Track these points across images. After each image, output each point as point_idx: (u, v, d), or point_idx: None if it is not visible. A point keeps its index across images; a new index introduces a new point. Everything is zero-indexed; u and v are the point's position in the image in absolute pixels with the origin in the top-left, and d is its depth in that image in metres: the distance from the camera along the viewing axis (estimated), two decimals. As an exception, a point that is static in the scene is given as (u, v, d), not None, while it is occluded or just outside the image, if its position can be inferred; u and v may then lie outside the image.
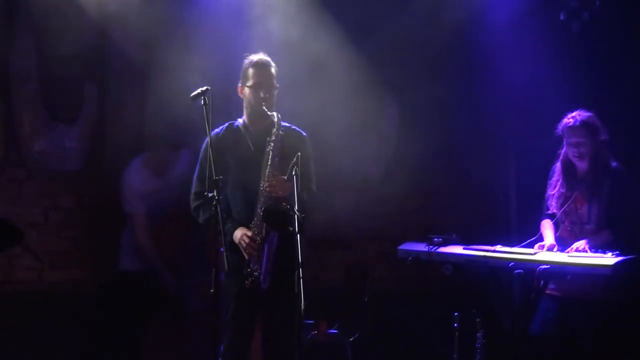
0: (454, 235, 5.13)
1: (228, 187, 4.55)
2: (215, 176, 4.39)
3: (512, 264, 4.72)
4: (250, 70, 4.70)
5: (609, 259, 4.51)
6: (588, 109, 4.99)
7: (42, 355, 5.91)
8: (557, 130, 5.02)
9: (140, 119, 6.06)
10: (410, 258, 5.12)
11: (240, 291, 4.54)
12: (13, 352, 5.84)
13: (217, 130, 4.74)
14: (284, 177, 4.51)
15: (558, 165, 5.07)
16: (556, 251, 4.83)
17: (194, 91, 4.45)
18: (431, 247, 5.07)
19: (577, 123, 4.92)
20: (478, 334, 4.97)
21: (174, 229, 5.76)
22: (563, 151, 5.04)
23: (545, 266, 4.67)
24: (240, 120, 4.80)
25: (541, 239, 4.99)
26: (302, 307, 4.12)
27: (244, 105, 4.77)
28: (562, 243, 4.89)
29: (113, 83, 6.29)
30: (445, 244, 5.07)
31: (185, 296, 5.79)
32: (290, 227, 4.43)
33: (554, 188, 5.06)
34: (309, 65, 6.34)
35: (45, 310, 5.98)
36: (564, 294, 4.87)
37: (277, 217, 4.52)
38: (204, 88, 4.43)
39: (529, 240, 4.95)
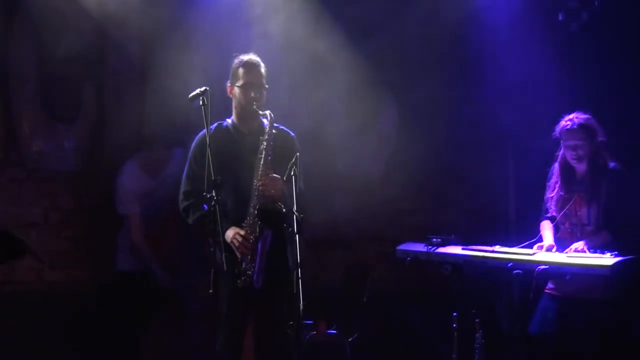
0: (453, 235, 5.14)
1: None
2: (203, 176, 4.45)
3: (510, 264, 4.72)
4: (240, 70, 4.71)
5: (607, 259, 4.51)
6: (587, 109, 4.99)
7: (42, 355, 5.90)
8: (555, 133, 5.02)
9: (140, 119, 6.06)
10: (409, 258, 5.13)
11: (233, 290, 4.55)
12: (13, 352, 5.83)
13: (205, 130, 4.75)
14: (276, 175, 4.52)
15: (556, 168, 5.07)
16: (555, 252, 4.83)
17: (193, 91, 4.46)
18: (430, 247, 5.08)
19: (575, 126, 4.92)
20: (477, 334, 4.96)
21: (170, 229, 5.76)
22: (561, 153, 5.04)
23: (544, 266, 4.67)
24: (229, 120, 4.81)
25: (541, 240, 4.99)
26: (301, 307, 4.12)
27: (233, 105, 4.78)
28: (562, 245, 4.89)
29: (112, 83, 6.30)
30: (444, 244, 5.08)
31: (185, 296, 5.79)
32: (284, 225, 4.46)
33: (553, 190, 5.06)
34: (309, 65, 6.34)
35: (45, 310, 5.98)
36: (563, 294, 4.88)
37: (271, 216, 4.53)
38: (202, 89, 4.44)
39: (529, 242, 4.95)
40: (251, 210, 4.58)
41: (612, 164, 4.93)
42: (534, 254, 4.78)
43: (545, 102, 5.94)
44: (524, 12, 6.12)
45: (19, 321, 5.92)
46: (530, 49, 6.14)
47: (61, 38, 5.90)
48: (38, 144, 6.21)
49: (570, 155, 4.96)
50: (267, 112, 4.61)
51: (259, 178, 4.58)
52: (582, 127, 4.91)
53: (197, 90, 4.44)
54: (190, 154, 4.78)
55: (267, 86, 4.75)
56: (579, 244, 4.76)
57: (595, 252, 4.65)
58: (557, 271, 4.68)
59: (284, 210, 4.53)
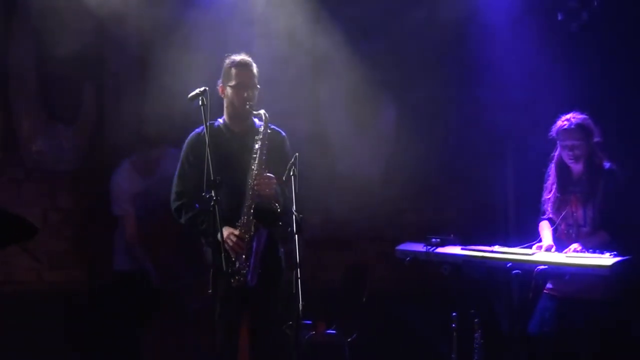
0: (452, 235, 5.13)
1: (205, 187, 4.50)
2: (195, 176, 4.50)
3: (510, 264, 4.72)
4: (233, 70, 4.72)
5: (607, 259, 4.51)
6: (586, 109, 4.99)
7: (42, 355, 5.90)
8: (551, 133, 5.02)
9: (139, 119, 6.06)
10: (408, 258, 5.12)
11: (226, 290, 4.54)
12: (13, 352, 5.83)
13: (197, 130, 4.75)
14: (271, 175, 4.53)
15: (552, 168, 5.07)
16: (554, 252, 4.83)
17: (192, 91, 4.46)
18: (429, 247, 5.07)
19: (572, 126, 4.92)
20: (476, 334, 4.96)
21: (165, 229, 5.76)
22: (557, 154, 5.04)
23: (543, 266, 4.67)
24: (220, 120, 4.81)
25: (540, 241, 4.99)
26: (300, 307, 4.12)
27: (225, 105, 4.78)
28: (559, 246, 4.89)
29: (112, 83, 6.30)
30: (443, 245, 5.07)
31: (184, 296, 5.79)
32: (279, 224, 4.47)
33: (550, 192, 5.06)
34: (308, 65, 6.35)
35: (44, 310, 5.98)
36: (562, 294, 4.87)
37: (266, 215, 4.53)
38: (201, 89, 4.44)
39: (528, 244, 4.95)
40: (246, 209, 4.59)
41: (607, 165, 4.93)
42: (533, 254, 4.78)
43: (545, 103, 5.93)
44: (523, 12, 6.12)
45: (18, 321, 5.92)
46: (530, 49, 6.14)
47: (61, 38, 5.89)
48: (37, 144, 6.21)
49: (567, 156, 4.95)
50: (262, 111, 4.62)
51: (254, 177, 4.58)
52: (580, 126, 4.91)
53: (197, 90, 4.44)
54: (182, 154, 4.79)
55: (259, 86, 4.75)
56: (576, 246, 4.76)
57: (594, 252, 4.64)
58: (556, 271, 4.68)
59: (278, 209, 4.54)
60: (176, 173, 4.80)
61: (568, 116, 4.96)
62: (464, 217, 6.43)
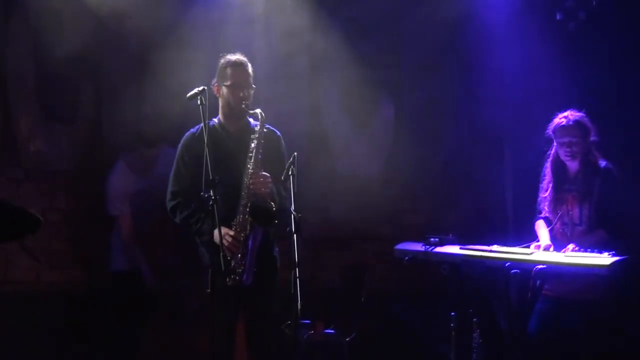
0: (451, 235, 5.13)
1: (204, 186, 4.50)
2: (191, 176, 4.52)
3: (508, 264, 4.72)
4: (228, 70, 4.73)
5: (605, 259, 4.50)
6: (582, 108, 5.00)
7: (41, 356, 5.90)
8: (548, 131, 5.02)
9: (138, 118, 6.06)
10: (407, 258, 5.12)
11: (223, 289, 4.54)
12: (12, 352, 5.83)
13: (192, 130, 4.76)
14: (266, 174, 4.53)
15: (548, 167, 5.07)
16: (552, 251, 4.83)
17: (191, 91, 4.46)
18: (428, 247, 5.08)
19: (570, 122, 4.93)
20: (474, 334, 4.96)
21: (162, 228, 5.76)
22: (553, 152, 5.05)
23: (541, 266, 4.67)
24: (215, 120, 4.82)
25: (538, 240, 4.99)
26: (299, 307, 4.12)
27: (220, 104, 4.79)
28: (555, 244, 4.90)
29: (110, 83, 6.29)
30: (441, 244, 5.08)
31: (183, 296, 5.79)
32: (275, 222, 4.47)
33: (546, 191, 5.06)
34: (306, 65, 6.35)
35: (43, 310, 5.97)
36: (559, 294, 4.88)
37: (262, 214, 4.53)
38: (200, 88, 4.43)
39: (527, 243, 4.95)
40: (241, 208, 4.59)
41: (603, 163, 4.94)
42: (531, 253, 4.78)
43: (543, 102, 5.93)
44: (522, 12, 6.12)
45: (17, 321, 5.90)
46: (528, 49, 6.14)
47: (59, 38, 5.89)
48: (36, 143, 6.21)
49: (563, 152, 4.96)
50: (258, 110, 4.62)
51: (250, 176, 4.59)
52: (578, 123, 4.92)
53: (195, 90, 4.44)
54: (177, 154, 4.80)
55: (254, 86, 4.75)
56: (572, 246, 4.76)
57: (592, 251, 4.64)
58: (554, 271, 4.68)
59: (274, 208, 4.54)
60: (171, 173, 4.81)
61: (565, 114, 4.98)
62: (462, 216, 6.43)
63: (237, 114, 4.74)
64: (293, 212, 4.25)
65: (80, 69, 6.19)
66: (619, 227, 4.79)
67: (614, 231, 4.80)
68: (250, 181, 4.59)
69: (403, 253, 5.17)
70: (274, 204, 4.58)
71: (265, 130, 4.67)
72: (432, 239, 5.09)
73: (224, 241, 4.53)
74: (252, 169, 4.60)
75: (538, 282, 4.75)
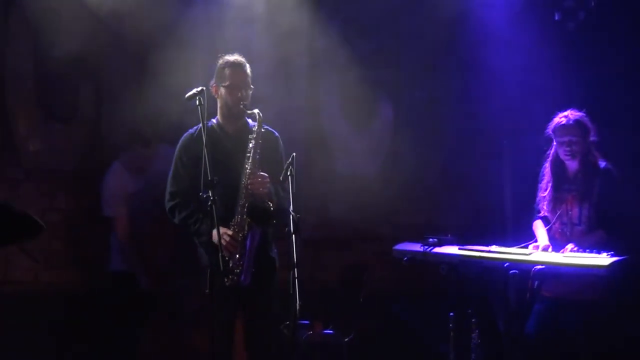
0: (449, 235, 5.13)
1: (202, 187, 4.50)
2: (189, 176, 4.51)
3: (507, 264, 4.72)
4: (227, 71, 4.73)
5: (604, 259, 4.50)
6: (582, 108, 5.01)
7: (40, 356, 5.90)
8: (548, 130, 5.02)
9: (137, 118, 6.06)
10: (405, 258, 5.12)
11: (221, 289, 4.54)
12: (10, 352, 5.83)
13: (191, 130, 4.77)
14: (264, 174, 4.53)
15: (547, 167, 5.08)
16: (551, 251, 4.83)
17: (190, 91, 4.47)
18: (426, 247, 5.08)
19: (571, 122, 4.93)
20: (473, 334, 4.96)
21: (162, 228, 5.76)
22: (552, 151, 5.05)
23: (540, 266, 4.68)
24: (214, 120, 4.82)
25: (536, 241, 4.99)
26: (298, 307, 4.12)
27: (219, 105, 4.79)
28: (554, 244, 4.90)
29: (109, 83, 6.29)
30: (440, 244, 5.08)
31: (183, 296, 5.79)
32: (273, 222, 4.47)
33: (545, 191, 5.06)
34: (305, 65, 6.35)
35: (43, 310, 5.97)
36: (557, 295, 4.88)
37: (260, 214, 4.53)
38: (199, 88, 4.44)
39: (525, 243, 4.95)
40: (239, 208, 4.59)
41: (603, 164, 4.94)
42: (530, 254, 4.78)
43: (542, 102, 5.94)
44: (520, 11, 6.13)
45: (16, 321, 5.90)
46: (527, 49, 6.15)
47: (58, 38, 5.89)
48: (35, 143, 6.21)
49: (563, 152, 4.96)
50: (256, 110, 4.63)
51: (248, 176, 4.59)
52: (578, 123, 4.93)
53: (194, 90, 4.44)
54: (176, 155, 4.80)
55: (252, 86, 4.75)
56: (572, 246, 4.76)
57: (591, 252, 4.64)
58: (553, 271, 4.69)
59: (272, 208, 4.54)
60: (170, 173, 4.81)
61: (566, 113, 4.98)
62: (461, 216, 6.43)
63: (235, 114, 4.75)
64: (292, 213, 4.25)
65: (80, 69, 6.18)
66: (618, 228, 4.79)
67: (613, 231, 4.80)
68: (248, 181, 4.59)
69: (402, 253, 5.18)
70: (272, 204, 4.58)
71: (263, 130, 4.67)
72: (430, 240, 5.09)
73: (222, 241, 4.52)
74: (250, 169, 4.60)
75: (537, 282, 4.75)
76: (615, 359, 4.94)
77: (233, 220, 4.61)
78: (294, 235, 4.21)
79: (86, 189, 6.25)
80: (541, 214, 5.09)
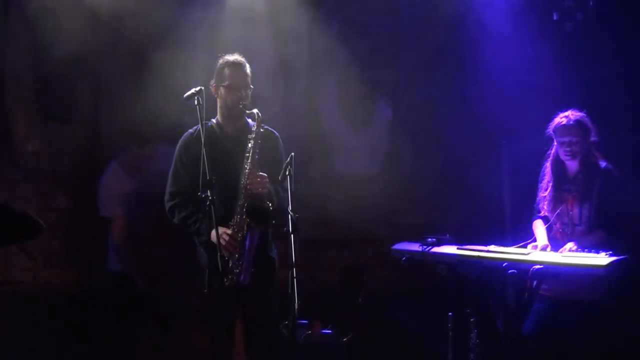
0: (448, 235, 5.13)
1: (201, 186, 4.46)
2: (189, 176, 4.50)
3: (505, 264, 4.71)
4: (227, 71, 4.72)
5: (602, 258, 4.49)
6: (581, 108, 5.01)
7: (39, 355, 5.89)
8: (548, 130, 5.03)
9: (136, 118, 6.06)
10: (404, 258, 5.12)
11: (221, 289, 4.54)
12: (8, 352, 5.82)
13: (190, 130, 4.76)
14: (263, 174, 4.53)
15: (548, 167, 5.08)
16: (549, 251, 4.83)
17: (188, 91, 4.47)
18: (425, 247, 5.07)
19: (571, 122, 4.94)
20: (472, 334, 4.96)
21: (159, 228, 5.76)
22: (553, 151, 5.05)
23: (538, 266, 4.68)
24: (213, 120, 4.81)
25: (535, 240, 4.99)
26: (296, 307, 4.12)
27: (219, 105, 4.79)
28: (554, 245, 4.90)
29: (108, 83, 6.29)
30: (439, 244, 5.07)
31: (183, 296, 5.79)
32: (272, 222, 4.47)
33: (545, 190, 5.06)
34: (304, 65, 6.35)
35: (40, 310, 5.96)
36: (556, 294, 4.88)
37: (259, 214, 4.53)
38: (197, 88, 4.44)
39: (524, 243, 4.95)
40: (239, 208, 4.59)
41: (603, 164, 4.94)
42: (528, 253, 4.78)
43: (540, 102, 5.95)
44: (520, 12, 6.13)
45: (14, 321, 5.90)
46: (525, 49, 6.15)
47: (57, 37, 5.89)
48: (34, 143, 6.21)
49: (563, 152, 4.96)
50: (255, 110, 4.62)
51: (247, 177, 4.58)
52: (578, 123, 4.93)
53: (192, 90, 4.45)
54: (175, 155, 4.79)
55: (252, 86, 4.75)
56: (571, 245, 4.77)
57: (590, 251, 4.64)
58: (552, 271, 4.69)
59: (271, 208, 4.54)
60: (170, 173, 4.80)
61: (566, 113, 4.98)
62: (460, 216, 6.43)
63: (235, 114, 4.74)
64: (290, 212, 4.25)
65: (79, 69, 6.18)
66: (618, 228, 4.79)
67: (613, 231, 4.80)
68: (247, 181, 4.59)
69: (400, 253, 5.18)
70: (271, 204, 4.58)
71: (262, 130, 4.67)
72: (429, 239, 5.09)
73: (221, 240, 4.52)
74: (249, 169, 4.60)
75: (535, 282, 4.75)
76: (614, 358, 4.94)
77: (232, 220, 4.61)
78: (292, 235, 4.20)
79: (85, 189, 6.24)
80: (541, 214, 5.09)
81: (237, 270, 4.57)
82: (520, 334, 4.88)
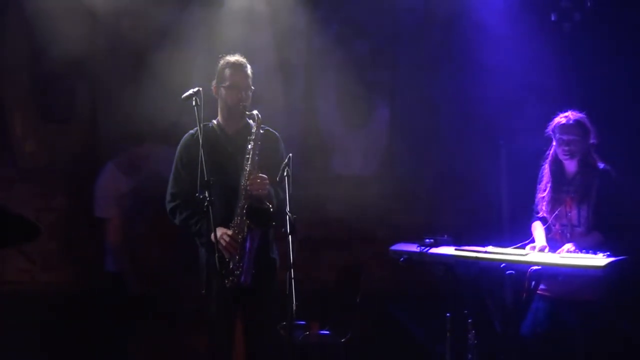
0: (446, 235, 5.13)
1: (199, 187, 4.44)
2: (190, 177, 4.49)
3: (503, 264, 4.71)
4: (227, 71, 4.71)
5: (600, 259, 4.49)
6: (579, 109, 5.02)
7: (37, 356, 5.90)
8: (548, 130, 5.03)
9: (133, 118, 6.06)
10: (402, 259, 5.12)
11: (220, 290, 4.54)
12: (6, 352, 5.82)
13: (191, 131, 4.75)
14: (263, 175, 4.53)
15: (546, 168, 5.08)
16: (547, 252, 4.84)
17: (186, 91, 4.46)
18: (423, 247, 5.07)
19: (571, 121, 4.94)
20: (470, 335, 4.96)
21: (156, 228, 5.75)
22: (552, 152, 5.05)
23: (536, 267, 4.67)
24: (214, 121, 4.80)
25: (534, 241, 5.00)
26: (294, 308, 4.12)
27: (219, 105, 4.78)
28: (553, 246, 4.90)
29: (105, 83, 6.28)
30: (437, 245, 5.07)
31: (181, 296, 5.79)
32: (273, 224, 4.47)
33: (544, 191, 5.07)
34: (301, 66, 6.34)
35: (39, 310, 5.96)
36: (555, 294, 4.88)
37: (260, 215, 4.53)
38: (195, 89, 4.44)
39: (521, 243, 4.95)
40: (239, 210, 4.58)
41: (601, 165, 4.95)
42: (526, 254, 4.78)
43: (538, 102, 5.95)
44: (517, 12, 6.14)
45: (12, 322, 5.90)
46: (524, 49, 6.15)
47: (54, 37, 5.88)
48: (31, 144, 6.21)
49: (562, 151, 4.96)
50: (255, 112, 4.61)
51: (247, 178, 4.58)
52: (578, 123, 4.94)
53: (190, 91, 4.45)
54: (176, 155, 4.78)
55: (253, 87, 4.75)
56: (569, 246, 4.77)
57: (588, 252, 4.64)
58: (550, 272, 4.68)
59: (271, 209, 4.53)
60: (171, 174, 4.79)
61: (567, 113, 4.99)
62: (458, 217, 6.43)
63: (235, 115, 4.73)
64: (288, 213, 4.25)
65: (77, 69, 6.18)
66: (616, 229, 4.80)
67: (611, 232, 4.80)
68: (247, 182, 4.58)
69: (398, 254, 5.18)
70: (272, 205, 4.57)
71: (263, 131, 4.65)
72: (427, 240, 5.08)
73: (222, 241, 4.52)
74: (249, 170, 4.59)
75: (533, 282, 4.75)
76: (612, 359, 4.94)
77: (233, 221, 4.60)
78: (290, 236, 4.20)
79: (83, 189, 6.24)
80: (540, 215, 5.09)
81: (238, 272, 4.56)
82: (518, 334, 4.87)
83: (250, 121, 4.71)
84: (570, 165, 4.99)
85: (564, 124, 4.96)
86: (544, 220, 5.05)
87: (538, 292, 4.89)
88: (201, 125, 4.42)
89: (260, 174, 4.57)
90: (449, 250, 5.01)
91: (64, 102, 6.30)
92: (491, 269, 4.76)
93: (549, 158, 5.06)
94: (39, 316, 5.94)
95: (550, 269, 4.65)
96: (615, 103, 5.93)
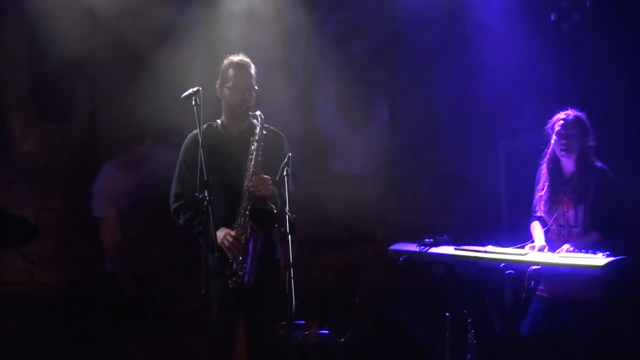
0: (445, 235, 5.13)
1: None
2: (193, 177, 4.46)
3: (503, 264, 4.72)
4: (230, 72, 4.70)
5: (600, 259, 4.50)
6: (578, 108, 5.02)
7: (36, 356, 5.89)
8: (547, 127, 5.03)
9: (133, 118, 6.06)
10: (401, 258, 5.12)
11: (223, 291, 4.54)
12: (6, 352, 5.82)
13: (195, 131, 4.74)
14: (266, 176, 4.53)
15: (544, 167, 5.08)
16: (547, 252, 4.84)
17: (186, 91, 4.46)
18: (422, 247, 5.07)
19: (571, 117, 4.96)
20: (469, 334, 4.96)
21: (154, 229, 5.75)
22: (550, 150, 5.05)
23: (536, 267, 4.67)
24: (218, 121, 4.80)
25: (533, 241, 5.00)
26: (293, 307, 4.12)
27: (223, 105, 4.77)
28: (551, 246, 4.90)
29: (105, 83, 6.28)
30: (436, 245, 5.07)
31: (182, 296, 5.79)
32: (276, 225, 4.46)
33: (542, 191, 5.07)
34: (300, 66, 6.34)
35: (37, 310, 5.96)
36: (554, 295, 4.88)
37: (263, 216, 4.52)
38: (195, 89, 4.43)
39: (521, 244, 4.95)
40: (242, 210, 4.57)
41: (598, 164, 4.95)
42: (526, 254, 4.78)
43: (537, 102, 5.95)
44: (517, 13, 6.14)
45: (10, 322, 5.90)
46: (522, 49, 6.16)
47: (54, 37, 5.89)
48: (30, 144, 6.20)
49: (560, 146, 4.96)
50: (258, 112, 4.61)
51: (250, 178, 4.57)
52: (578, 119, 4.95)
53: (190, 90, 4.44)
54: (180, 156, 4.77)
55: (256, 87, 4.74)
56: (568, 246, 4.77)
57: (587, 252, 4.64)
58: (549, 271, 4.69)
59: (274, 210, 4.52)
60: (175, 175, 4.78)
61: (567, 111, 5.00)
62: (457, 216, 6.43)
63: (238, 115, 4.72)
64: (288, 213, 4.25)
65: (76, 69, 6.17)
66: (614, 229, 4.80)
67: (609, 232, 4.80)
68: (250, 183, 4.57)
69: (398, 253, 5.18)
70: (275, 206, 4.56)
71: (266, 132, 4.65)
72: (426, 240, 5.09)
73: (225, 241, 4.52)
74: (252, 171, 4.59)
75: (532, 282, 4.75)
76: (611, 359, 4.94)
77: (236, 222, 4.60)
78: (290, 236, 4.20)
79: (82, 189, 6.23)
80: (538, 215, 5.09)
81: (241, 273, 4.55)
82: (518, 334, 4.88)
83: (255, 121, 4.70)
84: (568, 165, 4.99)
85: (563, 119, 4.98)
86: (542, 221, 5.05)
87: (537, 292, 4.90)
88: (201, 125, 4.42)
89: (263, 175, 4.56)
90: (448, 250, 5.01)
91: (64, 102, 6.30)
92: (491, 268, 4.76)
93: (547, 156, 5.06)
94: (38, 316, 5.93)
95: (549, 268, 4.66)
96: (615, 103, 5.93)
